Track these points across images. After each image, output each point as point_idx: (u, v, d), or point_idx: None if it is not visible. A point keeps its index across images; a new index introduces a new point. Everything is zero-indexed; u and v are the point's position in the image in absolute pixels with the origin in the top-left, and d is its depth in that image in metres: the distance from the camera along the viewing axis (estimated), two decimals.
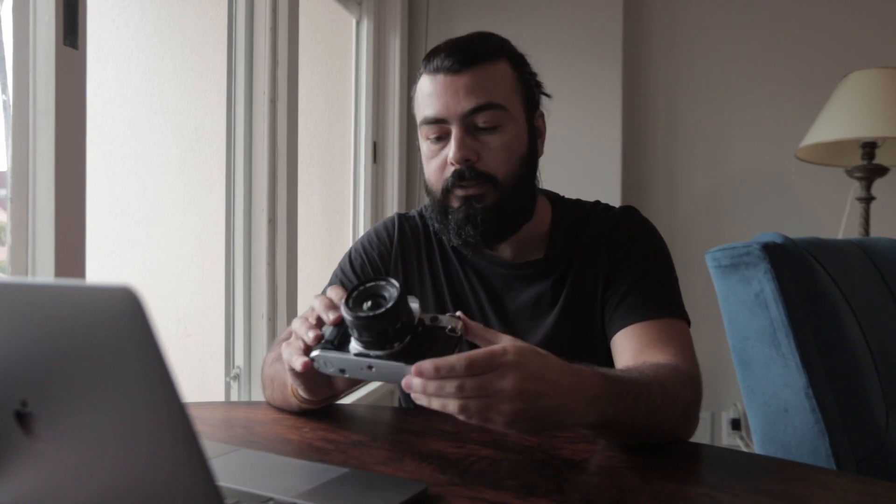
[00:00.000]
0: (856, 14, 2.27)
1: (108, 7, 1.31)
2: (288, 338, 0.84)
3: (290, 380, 0.79)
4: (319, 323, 0.71)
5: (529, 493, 0.60)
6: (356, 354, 0.67)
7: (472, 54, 0.89)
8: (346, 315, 0.65)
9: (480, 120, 0.89)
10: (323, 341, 0.69)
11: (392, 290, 0.66)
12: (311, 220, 1.98)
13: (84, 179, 1.05)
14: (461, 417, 0.61)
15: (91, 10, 1.05)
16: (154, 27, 1.43)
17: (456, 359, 0.60)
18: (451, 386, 0.59)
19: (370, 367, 0.66)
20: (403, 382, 0.62)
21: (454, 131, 0.90)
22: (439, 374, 0.59)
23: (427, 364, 0.60)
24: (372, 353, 0.66)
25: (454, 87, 0.89)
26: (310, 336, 0.69)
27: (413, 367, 0.61)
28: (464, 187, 0.91)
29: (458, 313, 0.69)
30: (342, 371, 0.68)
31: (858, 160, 2.01)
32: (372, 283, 0.67)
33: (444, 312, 0.97)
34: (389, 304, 0.64)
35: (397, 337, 0.65)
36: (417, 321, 0.68)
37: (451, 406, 0.60)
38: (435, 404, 0.61)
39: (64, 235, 1.00)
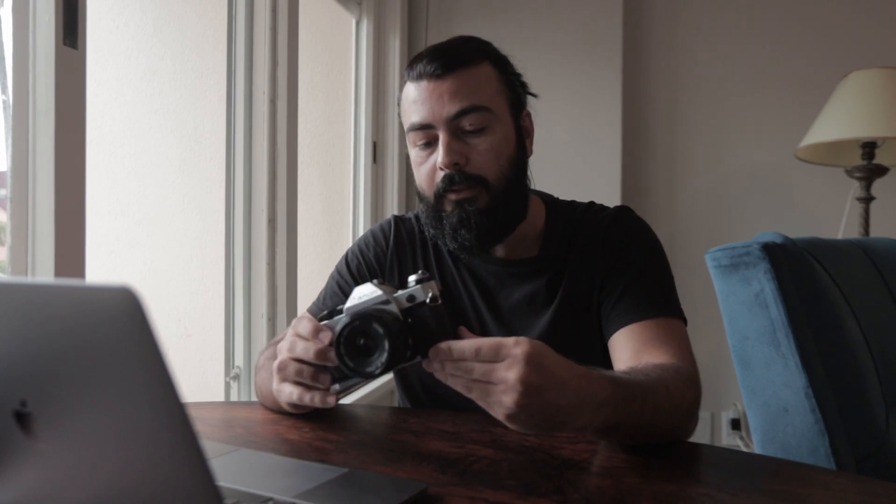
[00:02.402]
0: (856, 14, 2.27)
1: (108, 7, 1.31)
2: (280, 340, 0.83)
3: (284, 404, 0.78)
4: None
5: (529, 493, 0.60)
6: (379, 372, 0.67)
7: (454, 58, 0.90)
8: (355, 374, 0.66)
9: (467, 123, 0.90)
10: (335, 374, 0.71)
11: (377, 327, 0.64)
12: (311, 220, 1.98)
13: (84, 179, 1.05)
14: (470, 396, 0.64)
15: (91, 10, 1.05)
16: (154, 27, 1.43)
17: (467, 343, 0.63)
18: (461, 368, 0.63)
19: (394, 372, 0.69)
20: (424, 364, 0.67)
21: (441, 136, 0.90)
22: (452, 356, 0.63)
23: (443, 346, 0.64)
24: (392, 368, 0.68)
25: (438, 91, 0.89)
26: (326, 381, 0.72)
27: (430, 351, 0.65)
28: (455, 191, 0.91)
29: (420, 272, 0.70)
30: (360, 382, 0.72)
31: (858, 160, 2.01)
32: (349, 327, 0.65)
33: None
34: (387, 349, 0.64)
35: (406, 347, 0.67)
36: (403, 314, 0.67)
37: (459, 385, 0.64)
38: (449, 381, 0.65)
39: (64, 235, 1.00)
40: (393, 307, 0.67)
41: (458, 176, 0.90)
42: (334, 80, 2.18)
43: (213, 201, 1.59)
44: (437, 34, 2.43)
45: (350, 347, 0.65)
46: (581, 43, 2.35)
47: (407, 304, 0.67)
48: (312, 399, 0.72)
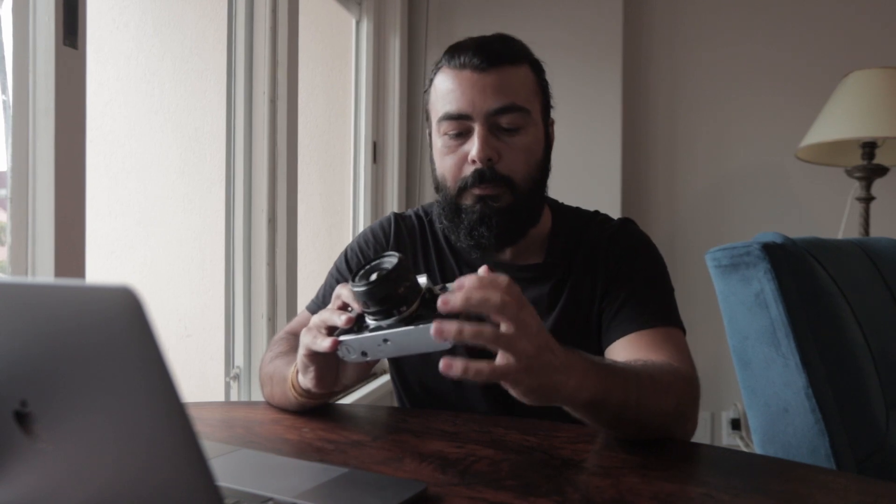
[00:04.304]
0: (856, 14, 2.27)
1: (108, 7, 1.31)
2: (287, 337, 0.83)
3: (299, 367, 0.78)
4: (345, 308, 0.73)
5: (529, 493, 0.60)
6: (371, 330, 0.68)
7: (498, 54, 0.89)
8: (352, 289, 0.68)
9: (504, 121, 0.89)
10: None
11: (392, 258, 0.68)
12: (311, 220, 1.98)
13: (84, 179, 1.05)
14: (499, 322, 0.61)
15: (91, 11, 1.05)
16: (154, 27, 1.43)
17: (501, 276, 0.62)
18: (495, 297, 0.60)
19: (386, 341, 0.68)
20: (434, 326, 0.61)
21: (478, 129, 0.89)
22: (482, 282, 0.61)
23: (468, 277, 0.62)
24: (384, 323, 0.68)
25: (481, 84, 0.88)
26: (342, 319, 0.70)
27: (455, 282, 0.63)
28: (482, 187, 0.90)
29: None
30: (364, 354, 0.70)
31: (858, 160, 2.01)
32: (376, 261, 0.70)
33: None
34: (388, 269, 0.66)
35: (403, 301, 0.67)
36: (426, 289, 0.69)
37: (486, 333, 0.60)
38: (467, 330, 0.60)
39: (64, 235, 1.00)
40: (423, 279, 0.70)
41: (488, 172, 0.89)
42: (334, 80, 2.18)
43: (213, 201, 1.59)
44: (437, 34, 2.43)
45: (364, 276, 0.68)
46: (581, 43, 2.35)
47: (437, 290, 0.69)
48: (321, 344, 0.71)
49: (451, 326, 0.60)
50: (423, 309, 0.68)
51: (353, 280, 0.69)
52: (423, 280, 0.70)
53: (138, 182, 1.39)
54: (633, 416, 0.71)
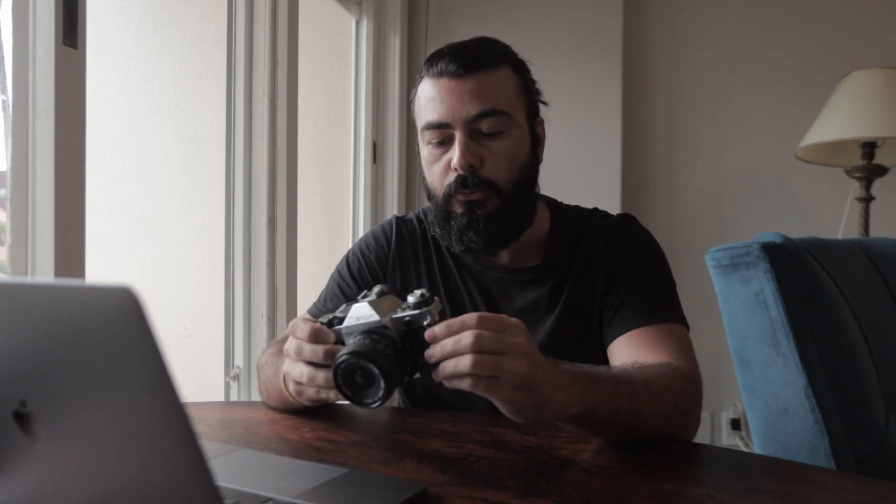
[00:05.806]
0: (856, 14, 2.27)
1: (108, 7, 1.31)
2: (284, 340, 0.83)
3: (290, 392, 0.78)
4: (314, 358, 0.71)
5: (529, 493, 0.60)
6: (377, 405, 0.66)
7: (476, 59, 0.89)
8: (353, 403, 0.66)
9: (485, 126, 0.89)
10: None
11: (373, 367, 0.64)
12: (311, 220, 1.98)
13: (84, 179, 1.05)
14: (466, 382, 0.61)
15: (91, 10, 1.05)
16: (154, 27, 1.43)
17: (467, 315, 0.63)
18: (467, 338, 0.61)
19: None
20: (427, 353, 0.64)
21: (458, 136, 0.89)
22: (451, 331, 0.62)
23: (439, 327, 0.63)
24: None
25: (459, 91, 0.88)
26: (332, 395, 0.71)
27: (426, 333, 0.64)
28: (466, 193, 0.90)
29: (423, 291, 0.67)
30: None
31: (858, 160, 2.01)
32: (345, 363, 0.65)
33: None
34: (383, 387, 0.63)
35: (402, 373, 0.66)
36: (399, 337, 0.66)
37: (464, 362, 0.61)
38: (449, 367, 0.62)
39: (64, 235, 1.00)
40: (390, 331, 0.66)
41: (470, 178, 0.89)
42: (334, 80, 2.18)
43: (213, 201, 1.59)
44: (436, 34, 2.43)
45: (347, 380, 0.65)
46: (581, 43, 2.35)
47: (405, 328, 0.66)
48: (327, 395, 0.72)
49: (437, 351, 0.62)
50: (412, 358, 0.66)
51: (342, 388, 0.65)
52: (363, 309, 0.67)
53: (138, 182, 1.39)
54: (627, 423, 0.71)
